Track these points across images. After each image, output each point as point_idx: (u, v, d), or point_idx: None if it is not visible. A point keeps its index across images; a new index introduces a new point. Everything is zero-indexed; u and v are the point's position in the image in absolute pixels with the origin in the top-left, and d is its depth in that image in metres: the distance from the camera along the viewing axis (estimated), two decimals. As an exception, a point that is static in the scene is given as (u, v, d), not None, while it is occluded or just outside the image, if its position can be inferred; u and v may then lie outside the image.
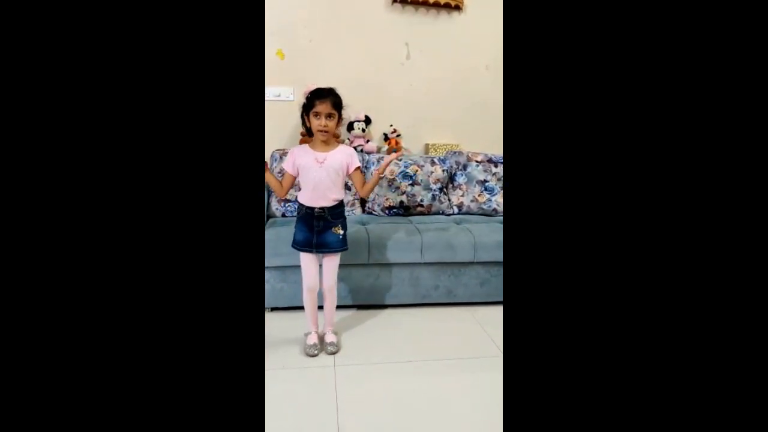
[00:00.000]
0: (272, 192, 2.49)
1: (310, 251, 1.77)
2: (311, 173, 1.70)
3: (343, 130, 2.75)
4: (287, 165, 1.75)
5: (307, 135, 1.78)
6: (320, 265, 1.84)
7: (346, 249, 1.80)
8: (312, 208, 1.73)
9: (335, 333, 1.90)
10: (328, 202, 1.73)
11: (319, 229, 1.74)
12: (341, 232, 1.76)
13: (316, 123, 1.66)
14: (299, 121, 2.94)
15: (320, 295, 1.89)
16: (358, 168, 1.76)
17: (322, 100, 1.66)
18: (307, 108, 1.69)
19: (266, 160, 2.59)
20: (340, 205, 1.77)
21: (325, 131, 1.67)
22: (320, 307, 1.90)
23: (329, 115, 1.66)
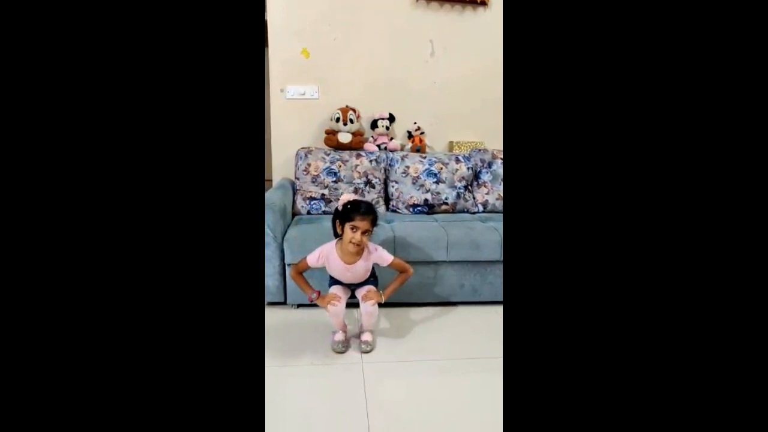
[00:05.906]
0: (295, 199, 2.50)
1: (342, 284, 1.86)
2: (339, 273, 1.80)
3: (366, 127, 2.76)
4: (311, 259, 1.76)
5: (334, 236, 1.80)
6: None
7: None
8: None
9: (372, 332, 1.91)
10: (358, 282, 1.84)
11: (353, 287, 1.86)
12: (374, 287, 1.85)
13: (350, 235, 1.65)
14: (323, 119, 2.93)
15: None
16: (391, 262, 1.80)
17: (363, 217, 1.65)
18: (343, 218, 1.68)
19: (292, 159, 2.62)
20: (372, 275, 1.86)
21: (358, 246, 1.68)
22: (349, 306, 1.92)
23: (365, 232, 1.67)
